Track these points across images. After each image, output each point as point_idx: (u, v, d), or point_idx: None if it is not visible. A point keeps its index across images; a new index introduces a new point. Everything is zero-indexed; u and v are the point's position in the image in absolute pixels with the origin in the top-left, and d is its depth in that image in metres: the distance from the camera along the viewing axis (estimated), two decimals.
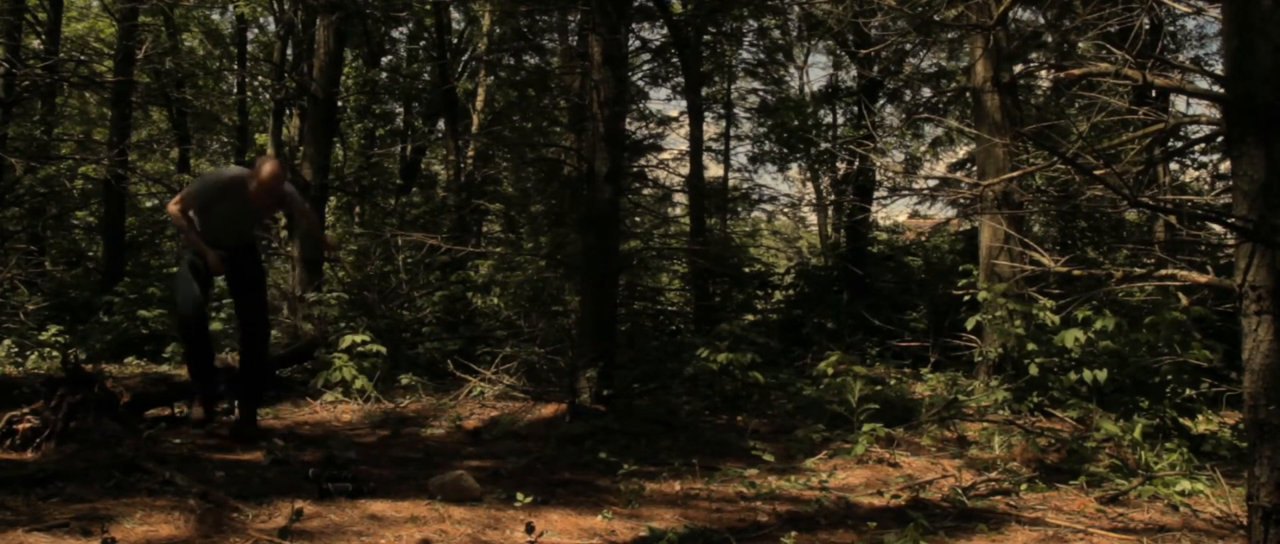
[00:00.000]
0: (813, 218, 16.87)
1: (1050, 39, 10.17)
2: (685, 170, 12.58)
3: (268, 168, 4.87)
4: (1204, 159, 11.14)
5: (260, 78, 16.67)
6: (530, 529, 3.46)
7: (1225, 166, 10.11)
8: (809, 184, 16.67)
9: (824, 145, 14.15)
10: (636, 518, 3.84)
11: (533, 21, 11.31)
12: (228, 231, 5.07)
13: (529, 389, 7.06)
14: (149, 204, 16.20)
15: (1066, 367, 6.26)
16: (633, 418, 5.94)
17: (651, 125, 13.03)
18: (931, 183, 13.09)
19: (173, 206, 4.97)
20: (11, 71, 9.04)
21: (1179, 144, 7.82)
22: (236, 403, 5.32)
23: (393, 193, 14.33)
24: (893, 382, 7.84)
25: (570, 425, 5.73)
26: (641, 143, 11.98)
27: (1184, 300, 6.03)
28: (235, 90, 16.99)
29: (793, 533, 3.59)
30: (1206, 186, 11.12)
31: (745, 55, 13.92)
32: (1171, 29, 10.79)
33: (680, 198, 13.47)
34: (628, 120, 9.08)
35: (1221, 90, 3.05)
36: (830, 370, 6.60)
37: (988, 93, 7.43)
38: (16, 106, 9.97)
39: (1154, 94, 7.98)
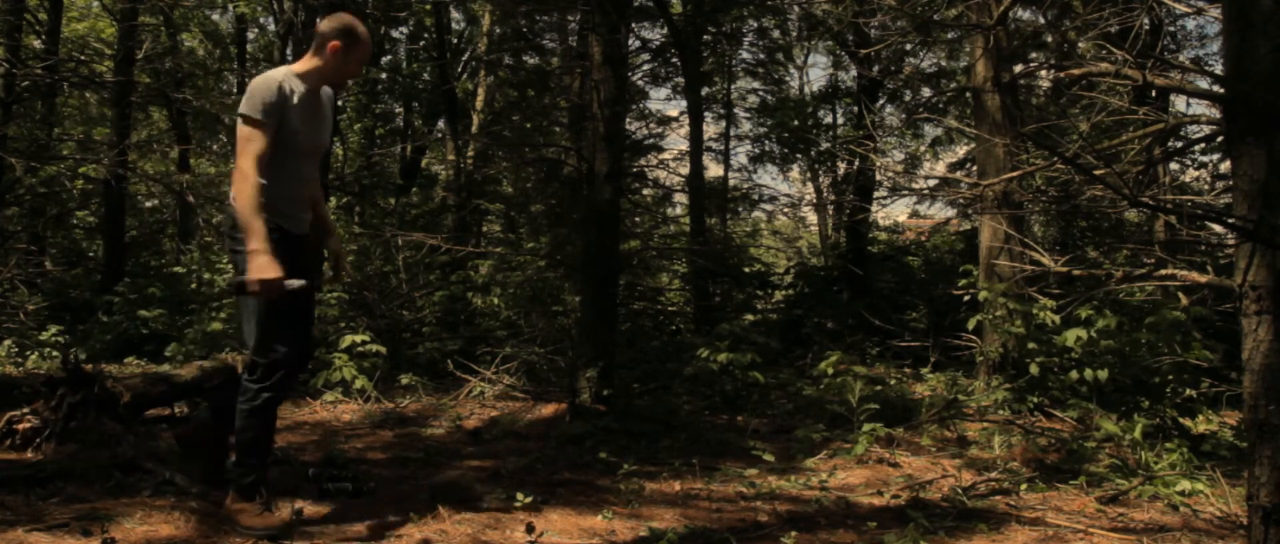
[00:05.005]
0: (813, 218, 16.91)
1: (1050, 39, 10.18)
2: (685, 170, 12.60)
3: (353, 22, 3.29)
4: (1204, 159, 11.17)
5: None
6: (530, 529, 3.46)
7: (1225, 166, 10.12)
8: (809, 184, 16.69)
9: (824, 145, 14.17)
10: (636, 518, 3.84)
11: (533, 21, 11.30)
12: (305, 192, 3.43)
13: (529, 389, 7.06)
14: (149, 204, 16.22)
15: (1067, 366, 6.26)
16: (633, 418, 5.94)
17: (651, 125, 13.04)
18: (931, 183, 13.12)
19: (244, 167, 3.08)
20: (11, 71, 9.04)
21: (1179, 144, 7.82)
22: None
23: (393, 193, 14.34)
24: (893, 382, 7.84)
25: (570, 425, 5.73)
26: (641, 143, 11.98)
27: (1184, 300, 6.04)
28: (235, 90, 17.01)
29: (793, 533, 3.59)
30: (1206, 186, 11.13)
31: (745, 55, 13.94)
32: (1171, 29, 10.79)
33: (680, 198, 13.50)
34: (628, 120, 9.09)
35: (1221, 90, 3.05)
36: (830, 370, 6.61)
37: (988, 93, 7.43)
38: (16, 106, 9.97)
39: (1154, 94, 7.98)
